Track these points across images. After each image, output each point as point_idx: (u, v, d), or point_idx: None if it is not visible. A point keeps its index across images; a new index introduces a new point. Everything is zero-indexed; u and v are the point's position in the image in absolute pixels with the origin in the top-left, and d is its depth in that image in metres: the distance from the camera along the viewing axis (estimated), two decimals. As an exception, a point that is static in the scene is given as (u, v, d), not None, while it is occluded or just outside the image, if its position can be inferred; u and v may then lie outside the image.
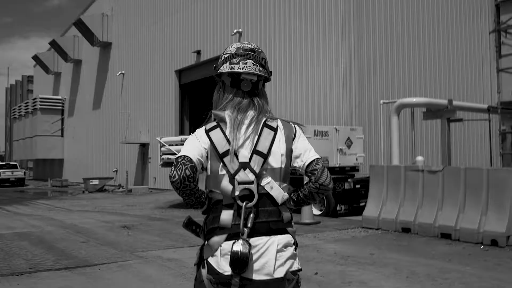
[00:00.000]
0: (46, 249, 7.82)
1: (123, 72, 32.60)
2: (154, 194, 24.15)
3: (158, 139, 18.95)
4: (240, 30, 22.20)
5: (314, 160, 2.32)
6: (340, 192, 13.42)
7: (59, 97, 44.96)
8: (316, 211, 13.27)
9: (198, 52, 25.10)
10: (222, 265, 2.13)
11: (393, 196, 9.40)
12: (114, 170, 32.79)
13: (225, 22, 23.26)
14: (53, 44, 40.93)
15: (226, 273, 2.12)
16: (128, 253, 7.41)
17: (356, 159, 15.70)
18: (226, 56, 2.35)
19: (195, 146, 2.25)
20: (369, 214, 9.79)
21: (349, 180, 13.81)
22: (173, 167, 2.16)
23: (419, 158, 12.11)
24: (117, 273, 6.16)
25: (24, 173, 40.15)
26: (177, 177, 2.12)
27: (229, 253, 2.10)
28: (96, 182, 29.07)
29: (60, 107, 44.33)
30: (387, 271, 6.07)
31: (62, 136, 44.04)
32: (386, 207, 9.49)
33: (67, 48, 40.34)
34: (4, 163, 42.13)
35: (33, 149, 44.11)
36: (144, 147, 30.02)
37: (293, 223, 2.32)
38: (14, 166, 40.25)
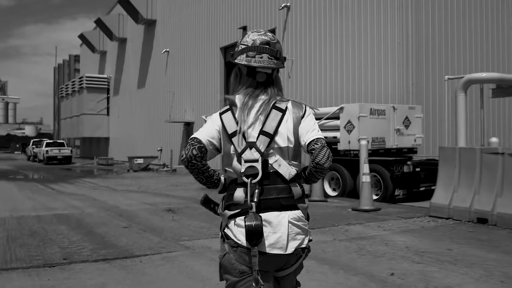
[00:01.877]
0: (85, 234, 7.21)
1: (167, 50, 32.07)
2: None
3: (204, 117, 18.28)
4: (288, 4, 21.17)
5: (314, 139, 2.39)
6: (398, 176, 12.37)
7: (105, 76, 45.01)
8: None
9: (244, 28, 24.22)
10: (238, 235, 2.29)
11: (466, 182, 8.35)
12: (158, 149, 32.48)
13: (273, -4, 22.25)
14: (99, 23, 40.81)
15: (243, 244, 2.26)
16: (173, 242, 6.70)
17: (415, 140, 14.61)
18: (243, 47, 2.47)
19: (208, 128, 2.42)
20: (438, 201, 8.78)
21: (409, 162, 12.74)
22: (184, 148, 2.46)
23: (494, 140, 10.94)
24: (160, 267, 5.44)
25: (71, 151, 40.40)
26: (184, 156, 2.33)
27: (243, 227, 2.24)
28: (141, 161, 28.77)
29: (106, 86, 44.40)
30: (474, 273, 5.13)
31: (107, 114, 44.16)
32: (458, 194, 8.45)
33: (112, 27, 40.16)
34: (51, 141, 42.54)
35: (79, 128, 44.41)
36: (188, 126, 29.51)
37: (305, 199, 2.45)
38: (61, 144, 40.56)
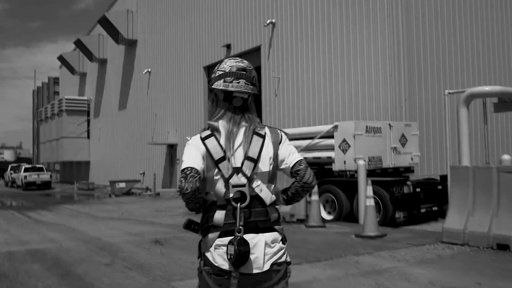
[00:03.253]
0: (61, 276, 6.31)
1: (149, 70, 31.31)
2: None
3: (188, 138, 17.50)
4: (274, 20, 20.59)
5: (297, 161, 2.56)
6: (398, 197, 11.67)
7: (85, 98, 44.03)
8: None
9: (228, 46, 23.60)
10: (217, 259, 2.39)
11: (482, 204, 7.65)
12: (141, 172, 31.54)
13: (257, 12, 21.67)
14: (78, 44, 39.99)
15: (221, 266, 2.37)
16: (163, 283, 5.85)
17: (412, 159, 14.00)
18: (220, 73, 2.59)
19: (195, 155, 2.47)
20: (451, 226, 8.05)
21: (408, 183, 12.05)
22: (182, 179, 2.39)
23: (506, 157, 10.30)
24: (150, 317, 4.62)
25: (51, 176, 39.29)
26: (189, 190, 2.36)
27: (223, 248, 2.37)
28: (123, 185, 27.88)
29: (86, 108, 43.40)
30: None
31: (88, 138, 43.09)
32: (474, 217, 7.74)
33: (92, 47, 39.35)
34: (30, 166, 41.38)
35: (59, 151, 43.26)
36: (172, 148, 28.67)
37: (280, 222, 2.54)
38: (40, 169, 39.48)
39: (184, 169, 2.43)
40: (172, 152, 28.61)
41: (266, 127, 2.61)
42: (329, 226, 10.67)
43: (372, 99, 16.41)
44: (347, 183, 12.44)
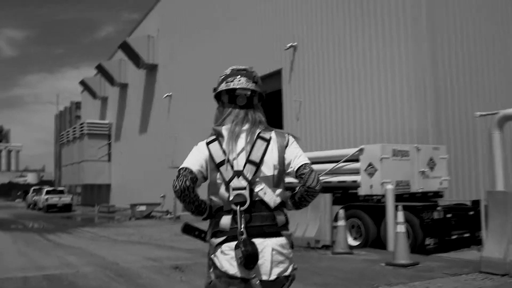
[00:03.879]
0: (77, 304, 6.02)
1: (169, 94, 31.30)
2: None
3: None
4: (295, 43, 20.39)
5: (302, 165, 2.51)
6: (428, 223, 11.16)
7: (106, 121, 44.27)
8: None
9: (249, 70, 23.43)
10: (224, 263, 2.39)
11: (523, 231, 7.17)
12: (161, 195, 31.25)
13: (277, 35, 21.50)
14: (100, 69, 40.34)
15: (228, 271, 2.37)
16: (184, 313, 5.52)
17: (441, 183, 13.49)
18: (222, 77, 2.72)
19: (196, 157, 2.57)
20: (490, 255, 7.56)
21: (438, 208, 11.56)
22: (175, 177, 2.48)
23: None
24: None
25: (72, 198, 39.34)
26: (178, 187, 2.45)
27: (230, 253, 2.37)
28: (143, 208, 27.67)
29: (107, 132, 43.60)
30: None
31: (109, 161, 43.18)
32: (515, 246, 7.26)
33: (113, 72, 39.67)
34: (51, 188, 41.52)
35: (80, 174, 43.38)
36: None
37: (288, 227, 2.51)
38: (62, 192, 39.62)
39: (179, 169, 2.52)
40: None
41: (273, 131, 2.59)
42: (357, 253, 10.21)
43: (397, 122, 16.00)
44: (374, 208, 11.99)
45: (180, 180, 2.45)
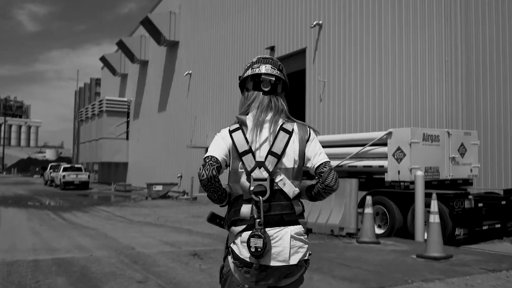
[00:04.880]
0: (87, 294, 5.57)
1: (190, 72, 30.79)
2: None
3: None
4: (321, 22, 19.67)
5: (322, 163, 2.58)
6: (459, 213, 10.56)
7: (125, 99, 43.95)
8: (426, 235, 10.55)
9: (272, 48, 22.77)
10: (243, 251, 2.45)
11: None
12: (178, 175, 30.99)
13: (303, 13, 20.79)
14: (120, 45, 39.90)
15: (247, 259, 2.44)
16: (202, 308, 5.04)
17: (471, 170, 12.84)
18: (248, 65, 2.74)
19: (220, 146, 2.56)
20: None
21: (470, 197, 10.93)
22: (201, 166, 2.49)
23: None
24: None
25: (89, 176, 39.26)
26: (205, 176, 2.45)
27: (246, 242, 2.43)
28: (159, 188, 27.39)
29: (126, 109, 43.28)
30: None
31: (127, 139, 42.94)
32: None
33: (134, 49, 39.21)
34: (69, 165, 41.47)
35: (98, 152, 43.25)
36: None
37: (304, 215, 2.62)
38: (79, 169, 39.50)
39: (205, 157, 2.53)
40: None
41: (295, 123, 2.63)
42: (384, 243, 9.66)
43: (425, 106, 15.30)
44: (401, 195, 11.40)
45: (207, 169, 2.46)
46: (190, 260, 7.53)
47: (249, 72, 2.67)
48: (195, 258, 7.70)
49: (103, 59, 46.77)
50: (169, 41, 33.22)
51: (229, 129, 2.61)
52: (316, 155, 2.59)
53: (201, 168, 2.47)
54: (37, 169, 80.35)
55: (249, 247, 2.39)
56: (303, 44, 20.74)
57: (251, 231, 2.41)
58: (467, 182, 12.87)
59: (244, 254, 2.43)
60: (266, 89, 2.63)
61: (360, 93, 17.57)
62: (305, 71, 20.46)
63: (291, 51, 21.52)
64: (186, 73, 31.05)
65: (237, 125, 2.61)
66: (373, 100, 16.97)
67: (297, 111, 16.70)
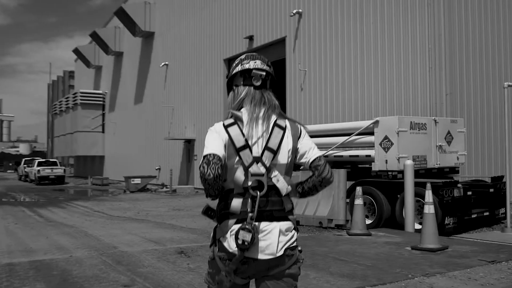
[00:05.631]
0: (69, 301, 5.14)
1: (166, 63, 30.19)
2: (201, 195, 21.57)
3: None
4: (300, 10, 19.31)
5: (317, 157, 2.62)
6: (448, 202, 10.37)
7: (100, 91, 43.08)
8: (416, 225, 10.35)
9: (251, 38, 22.35)
10: (232, 245, 2.43)
11: None
12: (157, 168, 30.47)
13: (282, 1, 20.40)
14: (94, 36, 39.01)
15: (236, 252, 2.41)
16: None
17: (457, 158, 12.67)
18: (237, 62, 2.71)
19: (218, 142, 2.51)
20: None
21: (459, 185, 10.75)
22: (205, 164, 2.40)
23: None
24: None
25: (64, 170, 38.45)
26: (212, 175, 2.38)
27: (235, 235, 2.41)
28: (138, 181, 26.87)
29: (101, 102, 42.46)
30: None
31: (103, 132, 42.16)
32: None
33: (108, 40, 38.37)
34: (44, 160, 40.57)
35: (73, 146, 42.43)
36: (189, 143, 27.54)
37: (294, 212, 2.61)
38: (54, 163, 38.66)
39: (206, 155, 2.46)
40: (190, 147, 27.49)
41: (286, 120, 2.65)
42: (375, 234, 9.39)
43: (409, 95, 15.09)
44: (388, 184, 11.17)
45: (213, 169, 2.40)
46: (177, 259, 7.13)
47: (239, 68, 2.66)
48: (182, 257, 7.29)
49: (76, 51, 45.74)
50: (144, 32, 32.54)
51: (223, 124, 2.57)
52: (310, 150, 2.62)
53: (205, 167, 2.39)
54: (10, 164, 78.80)
55: (236, 238, 2.37)
56: (283, 33, 20.37)
57: (241, 224, 2.40)
58: (454, 170, 12.72)
59: (234, 248, 2.42)
60: (257, 84, 2.63)
61: (341, 82, 17.29)
62: (285, 61, 20.12)
63: (271, 40, 21.15)
64: (162, 64, 30.46)
65: (231, 120, 2.57)
66: (355, 89, 16.71)
67: (278, 101, 16.26)
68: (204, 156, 2.44)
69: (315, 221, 10.83)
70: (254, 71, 2.62)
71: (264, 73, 2.64)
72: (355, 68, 16.75)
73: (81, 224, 12.02)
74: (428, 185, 8.18)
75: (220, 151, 2.46)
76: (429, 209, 7.81)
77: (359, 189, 9.79)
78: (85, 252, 7.86)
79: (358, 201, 9.58)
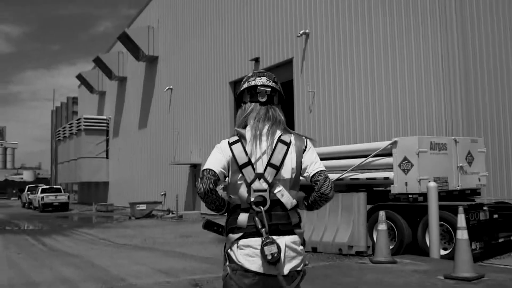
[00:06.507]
0: None
1: (170, 87, 29.87)
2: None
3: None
4: (307, 30, 18.99)
5: (318, 172, 2.64)
6: (474, 225, 9.81)
7: (104, 117, 42.80)
8: (441, 251, 9.78)
9: (256, 60, 22.02)
10: (240, 258, 2.51)
11: None
12: (162, 193, 29.93)
13: (288, 22, 20.10)
14: (97, 62, 38.87)
15: (244, 265, 2.49)
16: None
17: (479, 180, 12.13)
18: (245, 79, 2.83)
19: (218, 159, 2.61)
20: None
21: (485, 208, 10.21)
22: (199, 179, 2.56)
23: None
24: None
25: (68, 197, 37.91)
26: (202, 189, 2.53)
27: (246, 249, 2.51)
28: (143, 207, 26.32)
29: (105, 128, 42.15)
30: None
31: (107, 157, 41.74)
32: None
33: (112, 65, 38.20)
34: (47, 186, 40.07)
35: (77, 172, 41.98)
36: (195, 168, 27.04)
37: (301, 225, 2.65)
38: (58, 190, 38.13)
39: (203, 170, 2.59)
40: (196, 172, 26.98)
41: (292, 135, 2.69)
42: (400, 262, 8.82)
43: (423, 115, 14.62)
44: (409, 208, 10.62)
45: (204, 183, 2.53)
46: (193, 294, 6.57)
47: (245, 85, 2.75)
48: (197, 291, 6.75)
49: (79, 77, 45.63)
50: (148, 56, 32.32)
51: (228, 141, 2.64)
52: (312, 164, 2.64)
53: (199, 181, 2.55)
54: (14, 191, 78.25)
55: (264, 256, 2.40)
56: (290, 54, 20.04)
57: (261, 241, 2.44)
58: (475, 192, 12.17)
59: (241, 260, 2.50)
60: (263, 100, 2.70)
61: (352, 103, 16.85)
62: (292, 82, 19.72)
63: (277, 61, 20.80)
64: (167, 88, 30.13)
65: (236, 138, 2.65)
66: (366, 110, 16.26)
67: (286, 123, 15.79)
68: (201, 171, 2.58)
69: (334, 248, 10.25)
70: (259, 87, 2.70)
71: (269, 89, 2.71)
72: (366, 88, 16.32)
73: (86, 254, 11.48)
74: (461, 208, 7.63)
75: (216, 167, 2.57)
76: (462, 234, 7.25)
77: (382, 214, 9.24)
78: (92, 285, 7.31)
79: (382, 227, 9.03)
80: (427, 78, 14.52)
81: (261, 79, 2.74)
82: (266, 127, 2.64)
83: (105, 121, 42.33)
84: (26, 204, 43.34)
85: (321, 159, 2.77)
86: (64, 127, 48.43)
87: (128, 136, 37.00)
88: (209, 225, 2.67)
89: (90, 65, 42.29)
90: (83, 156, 40.77)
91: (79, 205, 43.73)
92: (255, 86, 2.72)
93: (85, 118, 41.79)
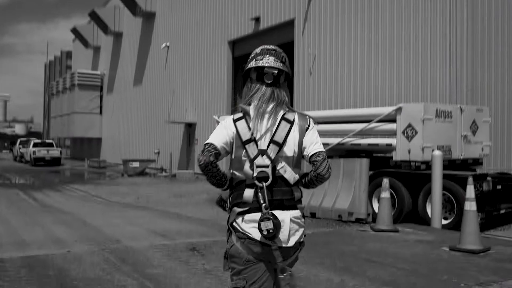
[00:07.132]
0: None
1: (167, 44, 29.13)
2: (202, 181, 20.74)
3: (216, 117, 15.48)
4: (311, -10, 18.32)
5: (317, 152, 2.69)
6: (477, 196, 9.54)
7: (98, 72, 42.05)
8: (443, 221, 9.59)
9: (257, 19, 21.35)
10: (245, 228, 2.58)
11: None
12: (156, 151, 29.58)
13: (292, -19, 19.41)
14: (93, 16, 37.88)
15: (250, 235, 2.56)
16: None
17: (482, 149, 11.88)
18: (252, 55, 2.81)
19: (221, 134, 2.69)
20: None
21: (488, 178, 9.97)
22: (201, 152, 2.64)
23: None
24: None
25: (60, 152, 37.52)
26: (203, 162, 2.60)
27: (254, 222, 2.55)
28: (136, 164, 26.04)
29: (99, 83, 41.44)
30: None
31: (100, 113, 41.19)
32: None
33: (108, 20, 37.24)
34: (39, 141, 39.65)
35: (70, 127, 41.48)
36: (190, 127, 26.66)
37: (302, 200, 2.74)
38: (50, 145, 37.70)
39: (205, 144, 2.67)
40: (191, 131, 26.62)
41: (296, 113, 2.75)
42: (402, 231, 8.60)
43: (426, 81, 14.21)
44: (411, 175, 10.37)
45: (205, 156, 2.59)
46: (190, 258, 6.28)
47: (253, 64, 2.74)
48: (195, 255, 6.44)
49: (74, 30, 44.61)
50: (145, 12, 31.45)
51: (233, 118, 2.71)
52: (312, 144, 2.69)
53: (200, 154, 2.62)
54: (5, 144, 77.79)
55: (261, 231, 2.45)
56: (292, 14, 19.40)
57: (260, 216, 2.48)
58: (477, 161, 11.94)
59: (248, 230, 2.55)
60: (269, 82, 2.71)
61: (353, 67, 16.39)
62: (293, 44, 19.18)
63: (278, 22, 20.17)
64: (163, 45, 29.41)
65: (241, 114, 2.70)
66: (368, 75, 15.83)
67: (287, 98, 15.37)
68: (203, 145, 2.65)
69: (333, 214, 10.03)
70: (266, 69, 2.70)
71: (276, 71, 2.71)
72: (369, 52, 15.84)
73: (79, 211, 11.20)
74: (470, 179, 7.37)
75: (218, 142, 2.64)
76: (470, 205, 7.01)
77: (386, 181, 8.95)
78: (85, 246, 7.01)
79: (385, 194, 8.77)
80: (433, 43, 14.07)
81: (268, 59, 2.72)
82: (270, 106, 2.67)
83: (99, 76, 41.62)
84: (18, 158, 43.02)
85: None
86: (58, 81, 47.68)
87: (123, 92, 36.44)
88: (220, 201, 2.74)
89: (86, 19, 41.24)
90: (76, 111, 40.21)
91: (71, 160, 43.43)
92: (262, 67, 2.71)
93: (79, 73, 41.05)
